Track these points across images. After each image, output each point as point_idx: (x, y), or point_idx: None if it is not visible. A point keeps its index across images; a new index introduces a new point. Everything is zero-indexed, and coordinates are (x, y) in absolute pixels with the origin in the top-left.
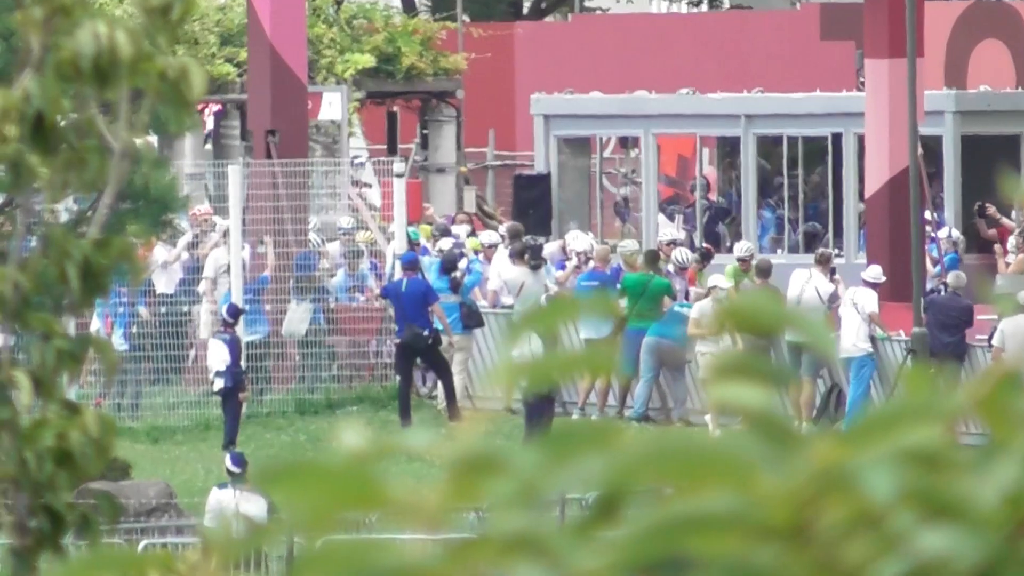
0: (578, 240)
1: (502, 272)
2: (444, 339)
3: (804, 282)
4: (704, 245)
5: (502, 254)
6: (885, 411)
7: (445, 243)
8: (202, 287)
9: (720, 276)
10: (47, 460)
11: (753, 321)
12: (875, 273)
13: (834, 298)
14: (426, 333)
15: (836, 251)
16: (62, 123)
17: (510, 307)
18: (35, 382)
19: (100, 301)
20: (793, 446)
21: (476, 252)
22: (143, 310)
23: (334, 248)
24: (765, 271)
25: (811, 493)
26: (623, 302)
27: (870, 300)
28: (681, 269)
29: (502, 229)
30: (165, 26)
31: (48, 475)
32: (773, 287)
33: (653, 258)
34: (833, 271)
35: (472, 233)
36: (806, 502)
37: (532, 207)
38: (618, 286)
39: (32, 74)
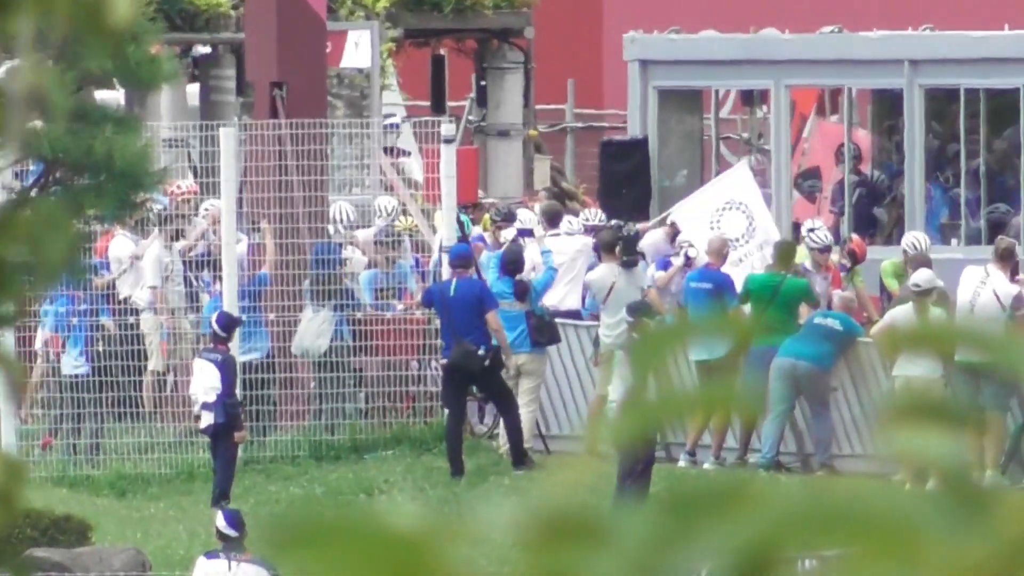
0: (686, 221)
1: (588, 273)
2: (506, 360)
3: (979, 283)
4: (852, 238)
5: (559, 241)
6: None
7: (509, 233)
8: (143, 297)
9: (927, 272)
10: None
11: (918, 339)
12: None
13: (1019, 303)
14: (481, 351)
15: (1011, 241)
16: None
17: (584, 318)
18: None
19: (47, 310)
20: (982, 505)
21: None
22: (108, 321)
23: (366, 237)
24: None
25: (1006, 566)
26: (746, 310)
27: None
28: (823, 250)
29: (537, 209)
30: None
31: None
32: (940, 290)
33: (787, 251)
34: (1016, 269)
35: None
36: None
37: (625, 183)
38: (739, 289)
39: None
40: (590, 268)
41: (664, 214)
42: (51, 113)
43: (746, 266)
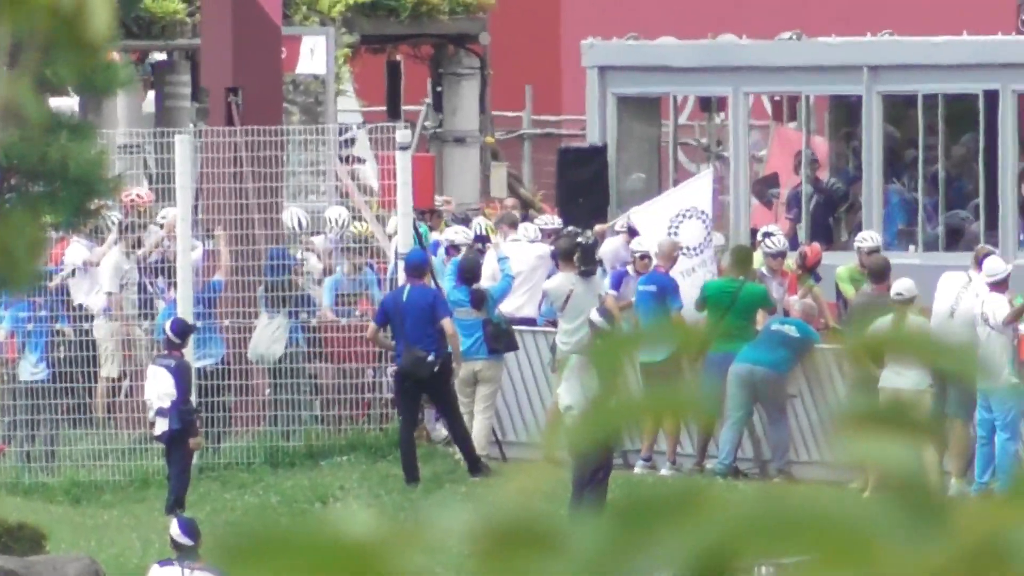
0: (644, 226)
1: (546, 281)
2: (467, 367)
3: (960, 289)
4: (806, 247)
5: (517, 247)
6: None
7: (456, 235)
8: (98, 303)
9: (907, 281)
10: None
11: (883, 347)
12: (994, 268)
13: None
14: (430, 358)
15: (990, 249)
16: None
17: (545, 324)
18: None
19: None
20: (939, 513)
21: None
22: (67, 328)
23: (320, 243)
24: (879, 274)
25: (961, 573)
26: (702, 316)
27: (1000, 308)
28: (776, 256)
29: (498, 217)
30: None
31: None
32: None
33: (743, 257)
34: None
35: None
36: None
37: (583, 191)
38: (690, 295)
39: None
40: (548, 276)
41: (622, 217)
42: (27, 125)
43: (699, 277)
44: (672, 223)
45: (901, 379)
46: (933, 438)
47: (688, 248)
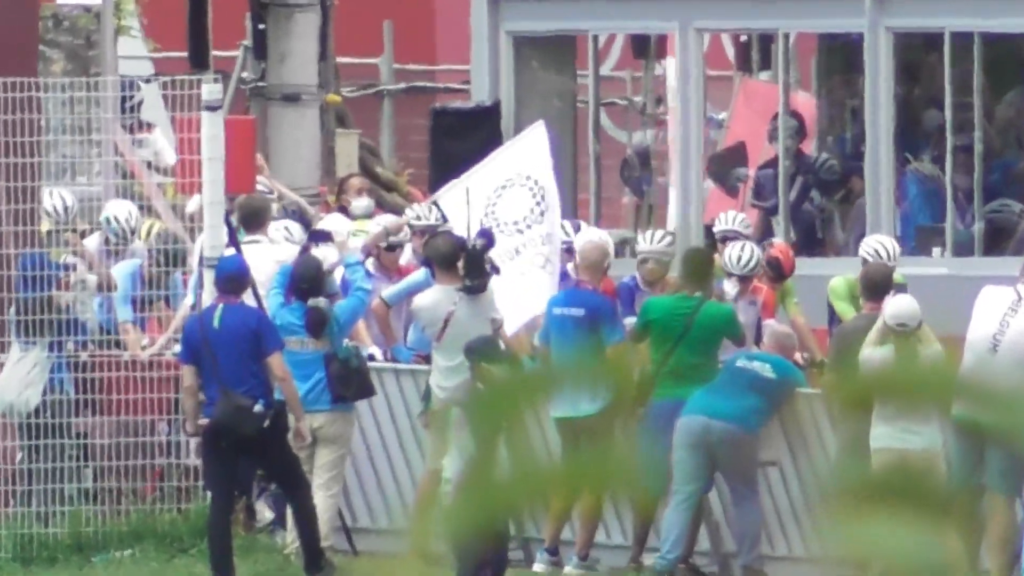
0: (451, 204)
1: (417, 297)
2: (297, 423)
3: (1007, 309)
4: (773, 243)
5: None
6: None
7: (278, 232)
8: None
9: (907, 301)
10: None
11: (900, 391)
12: None
13: None
14: (258, 408)
15: None
16: None
17: (414, 359)
18: None
19: None
20: None
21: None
22: None
23: (94, 246)
24: (878, 287)
25: None
26: (642, 348)
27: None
28: (744, 279)
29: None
30: None
31: None
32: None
33: (700, 264)
34: None
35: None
36: None
37: (467, 169)
38: (631, 320)
39: None
40: (415, 289)
41: (455, 182)
42: None
43: (524, 260)
44: (491, 199)
45: (910, 438)
46: (963, 521)
47: (507, 223)
